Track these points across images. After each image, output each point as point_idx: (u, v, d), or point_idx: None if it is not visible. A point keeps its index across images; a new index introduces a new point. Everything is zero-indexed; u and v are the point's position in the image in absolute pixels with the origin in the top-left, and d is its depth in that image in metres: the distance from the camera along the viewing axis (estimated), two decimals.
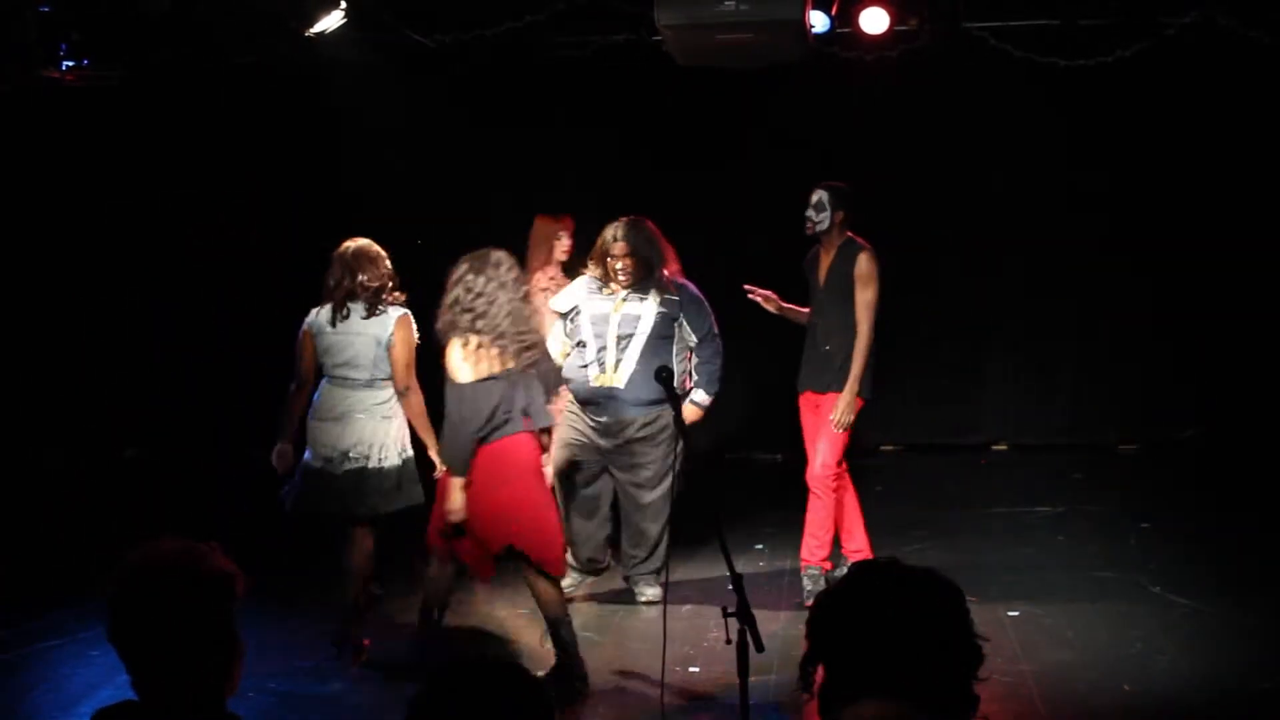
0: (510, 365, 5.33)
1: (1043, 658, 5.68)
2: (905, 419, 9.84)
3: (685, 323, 6.44)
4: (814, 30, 7.20)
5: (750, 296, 6.69)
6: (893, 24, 7.85)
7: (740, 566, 3.91)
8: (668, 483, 6.48)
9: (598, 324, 6.39)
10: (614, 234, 6.37)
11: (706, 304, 6.52)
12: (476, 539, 5.40)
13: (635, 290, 6.39)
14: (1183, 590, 6.49)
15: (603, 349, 6.35)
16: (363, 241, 5.97)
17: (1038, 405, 9.87)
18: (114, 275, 9.77)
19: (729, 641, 3.69)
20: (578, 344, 6.45)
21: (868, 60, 8.22)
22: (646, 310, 6.37)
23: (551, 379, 5.73)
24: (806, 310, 6.66)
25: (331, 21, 7.69)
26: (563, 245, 7.29)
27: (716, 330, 6.52)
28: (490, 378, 5.29)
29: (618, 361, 6.34)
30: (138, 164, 9.63)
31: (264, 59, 8.33)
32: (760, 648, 3.67)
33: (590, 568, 6.74)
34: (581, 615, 6.44)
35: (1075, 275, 9.63)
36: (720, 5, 6.52)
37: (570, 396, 6.53)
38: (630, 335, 6.35)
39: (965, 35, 8.13)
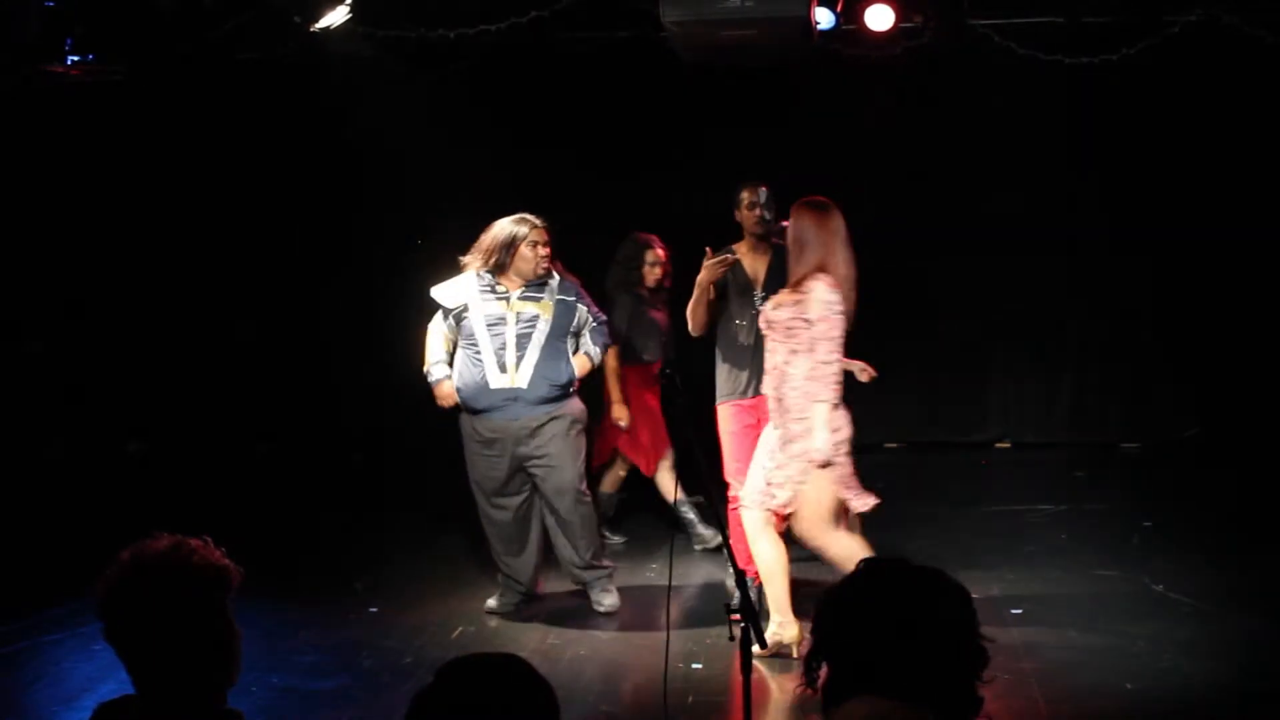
0: None
1: (1044, 656, 5.68)
2: (907, 417, 9.84)
3: (580, 313, 6.34)
4: (819, 27, 7.19)
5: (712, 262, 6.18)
6: (898, 21, 7.84)
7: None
8: (582, 475, 6.33)
9: (493, 325, 6.18)
10: (529, 226, 6.18)
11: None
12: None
13: (529, 289, 6.23)
14: (1185, 589, 6.47)
15: (502, 349, 6.16)
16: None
17: (1040, 403, 9.86)
18: (117, 269, 9.77)
19: (732, 638, 3.70)
20: (465, 341, 6.24)
21: (872, 57, 8.22)
22: (543, 309, 6.22)
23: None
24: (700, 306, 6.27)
25: (337, 17, 7.71)
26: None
27: (599, 312, 6.51)
28: None
29: (518, 361, 6.17)
30: (142, 159, 9.63)
31: (270, 54, 8.34)
32: (763, 644, 3.68)
33: (523, 596, 6.49)
34: (583, 612, 6.45)
35: (1078, 273, 9.62)
36: (725, 2, 6.50)
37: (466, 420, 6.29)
38: (529, 335, 6.19)
39: (970, 32, 8.13)
